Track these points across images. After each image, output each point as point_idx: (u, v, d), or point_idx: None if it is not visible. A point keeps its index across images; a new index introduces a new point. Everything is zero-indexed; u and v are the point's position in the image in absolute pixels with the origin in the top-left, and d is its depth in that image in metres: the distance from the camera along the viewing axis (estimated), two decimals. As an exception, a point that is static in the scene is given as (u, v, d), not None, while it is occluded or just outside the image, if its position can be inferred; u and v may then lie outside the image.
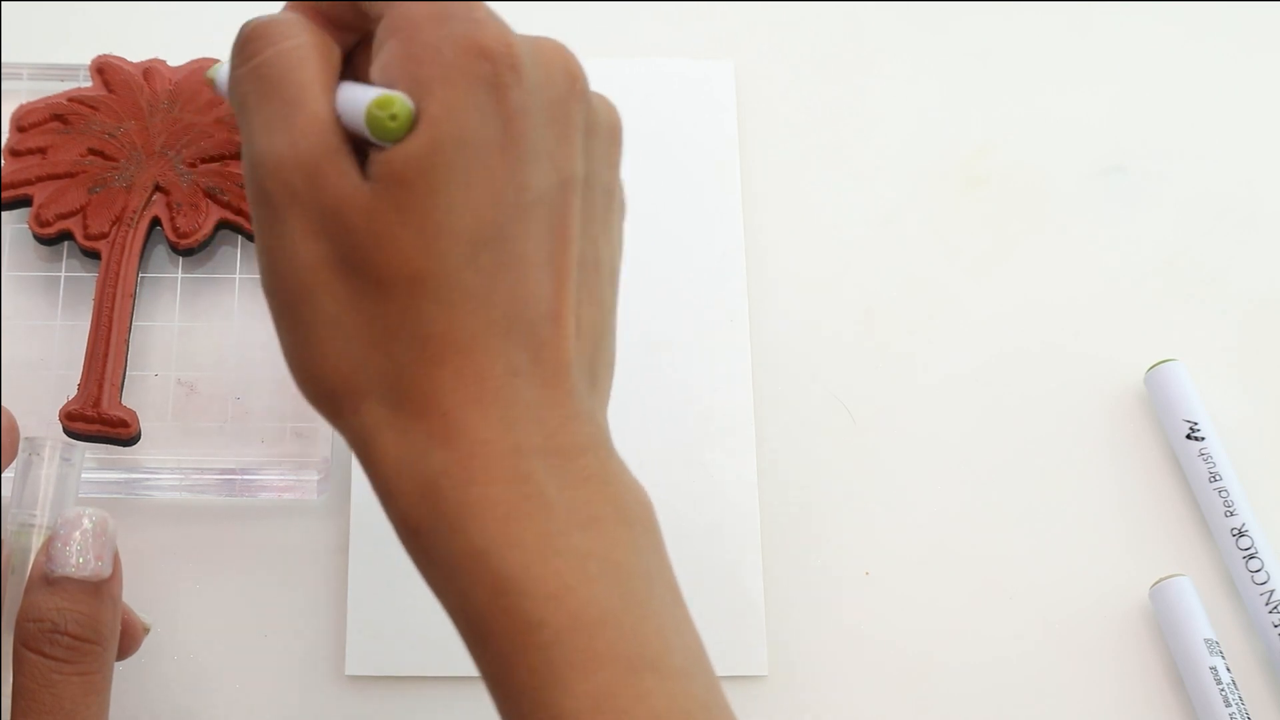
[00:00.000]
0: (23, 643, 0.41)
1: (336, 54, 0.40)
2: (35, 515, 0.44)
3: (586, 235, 0.40)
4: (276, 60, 0.39)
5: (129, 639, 0.45)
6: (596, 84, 0.44)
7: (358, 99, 0.38)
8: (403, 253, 0.37)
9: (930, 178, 0.62)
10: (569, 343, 0.39)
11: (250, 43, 0.40)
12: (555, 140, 0.39)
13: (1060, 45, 0.65)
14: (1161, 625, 0.54)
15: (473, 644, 0.38)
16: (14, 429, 0.44)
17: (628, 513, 0.39)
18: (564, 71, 0.40)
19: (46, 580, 0.42)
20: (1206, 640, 0.53)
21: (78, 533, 0.42)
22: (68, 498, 0.44)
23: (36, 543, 0.43)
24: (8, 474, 0.44)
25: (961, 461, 0.57)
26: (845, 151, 0.62)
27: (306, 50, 0.39)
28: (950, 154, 0.63)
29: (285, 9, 0.41)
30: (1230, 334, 0.60)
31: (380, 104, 0.37)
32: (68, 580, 0.42)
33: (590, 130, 0.40)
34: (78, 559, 0.42)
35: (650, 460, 0.56)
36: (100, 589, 0.42)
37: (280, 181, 0.38)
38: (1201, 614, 0.53)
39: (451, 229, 0.37)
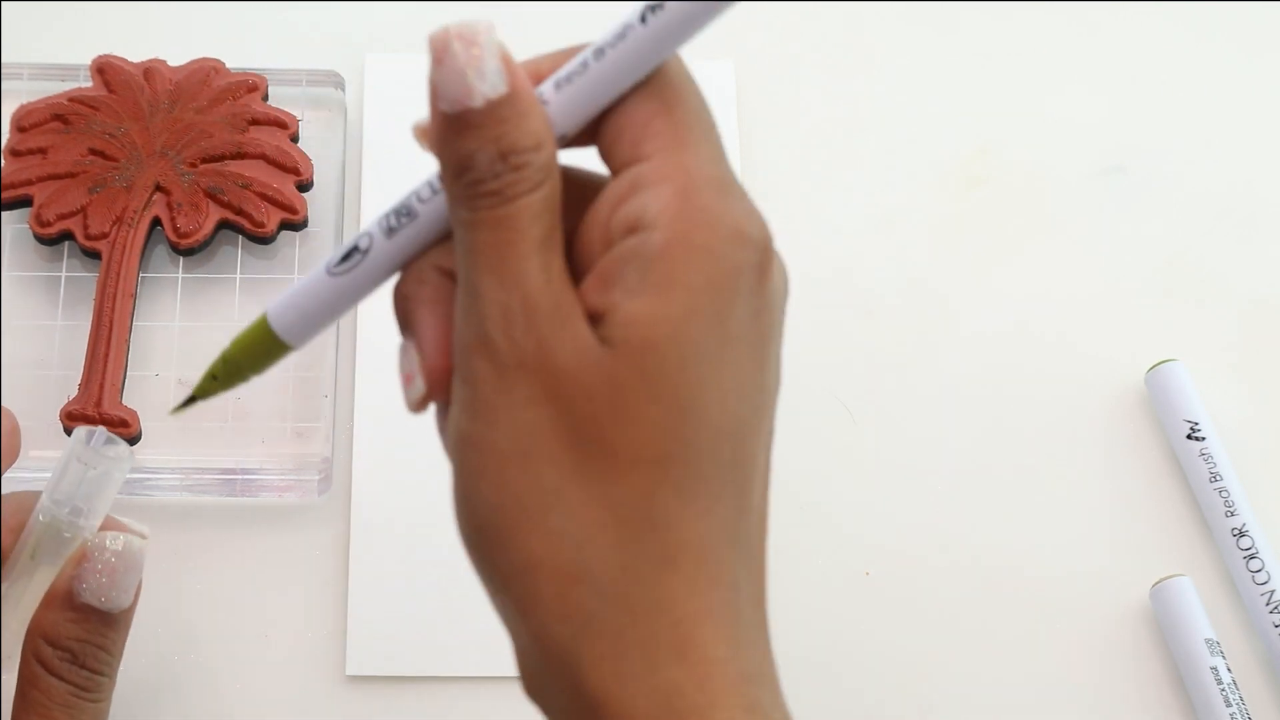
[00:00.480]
0: (41, 662, 0.42)
1: (560, 187, 0.36)
2: (70, 510, 0.43)
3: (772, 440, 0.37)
4: (516, 215, 0.35)
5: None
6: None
7: None
8: (647, 430, 0.33)
9: (930, 178, 0.62)
10: (765, 557, 0.36)
11: (489, 182, 0.35)
12: (780, 340, 0.36)
13: (1060, 45, 0.65)
14: (1162, 625, 0.54)
15: None
16: (15, 430, 0.44)
17: None
18: (786, 276, 0.37)
19: (71, 603, 0.42)
20: (1207, 640, 0.53)
21: (110, 561, 0.43)
22: (106, 497, 0.44)
23: (67, 540, 0.43)
24: (48, 464, 0.45)
25: (961, 461, 0.57)
26: (845, 151, 0.62)
27: (545, 202, 0.35)
28: (950, 154, 0.63)
29: (537, 105, 0.36)
30: (1230, 334, 0.60)
31: None
32: (91, 610, 0.42)
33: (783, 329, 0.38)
34: (106, 593, 0.42)
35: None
36: (119, 617, 0.43)
37: (509, 339, 0.34)
38: (1202, 614, 0.53)
39: (701, 413, 0.34)
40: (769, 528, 0.36)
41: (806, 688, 0.53)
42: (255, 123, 0.58)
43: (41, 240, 0.56)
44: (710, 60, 0.63)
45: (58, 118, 0.57)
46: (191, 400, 0.38)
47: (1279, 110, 0.65)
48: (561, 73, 0.35)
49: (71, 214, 0.56)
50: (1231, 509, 0.55)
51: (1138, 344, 0.59)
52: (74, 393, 0.53)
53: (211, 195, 0.56)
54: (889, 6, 0.65)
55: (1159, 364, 0.57)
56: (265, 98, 0.59)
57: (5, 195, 0.56)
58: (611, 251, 0.34)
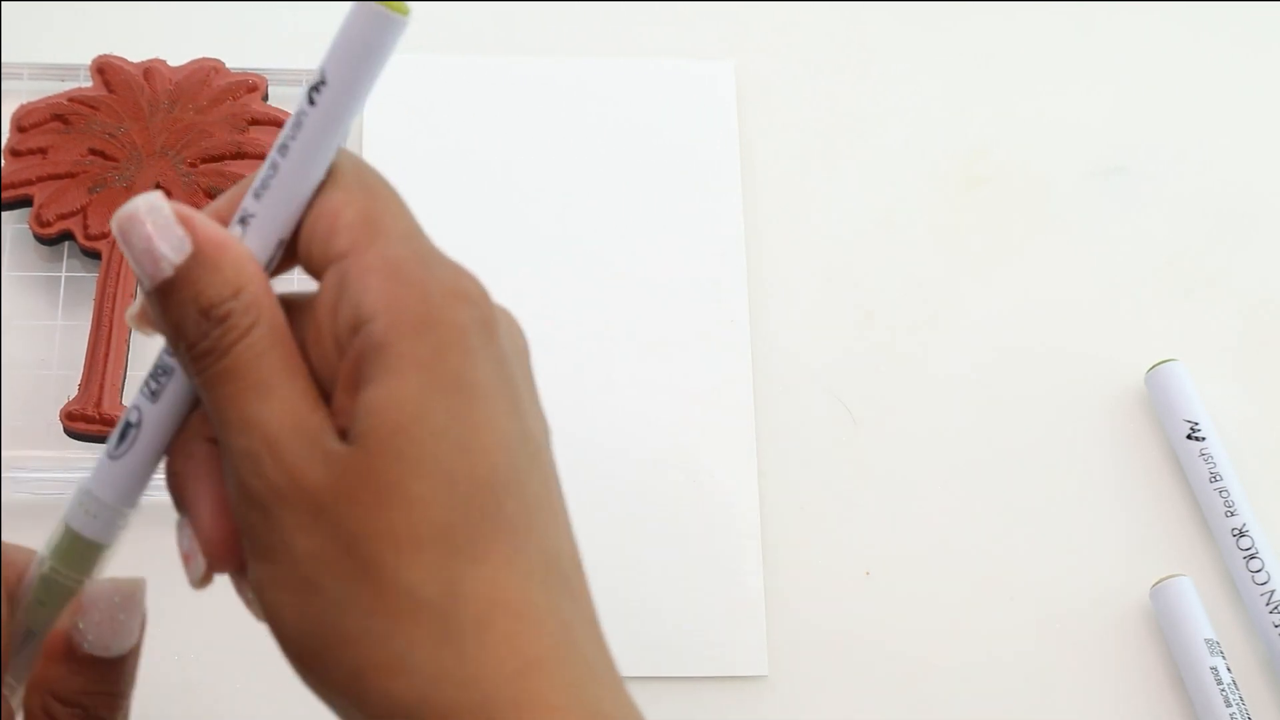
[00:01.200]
0: (49, 715, 0.39)
1: (281, 313, 0.36)
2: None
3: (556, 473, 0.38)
4: (235, 365, 0.35)
5: None
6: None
7: None
8: (419, 508, 0.33)
9: (930, 178, 0.62)
10: (590, 592, 0.36)
11: (201, 342, 0.35)
12: (531, 384, 0.37)
13: (1060, 45, 0.65)
14: (1161, 625, 0.54)
15: None
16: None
17: None
18: (519, 329, 0.37)
19: (74, 654, 0.39)
20: (1207, 640, 0.53)
21: (111, 609, 0.40)
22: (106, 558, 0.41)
23: (68, 590, 0.40)
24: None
25: (961, 461, 0.57)
26: (845, 151, 0.62)
27: (263, 340, 0.35)
28: (950, 154, 0.63)
29: (225, 251, 0.35)
30: (1230, 334, 0.60)
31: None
32: (93, 660, 0.39)
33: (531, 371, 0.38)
34: (110, 641, 0.39)
35: (651, 460, 0.56)
36: (126, 658, 0.40)
37: (261, 479, 0.34)
38: (1202, 614, 0.53)
39: (468, 475, 0.34)
40: (582, 557, 0.36)
41: (806, 687, 0.53)
42: (255, 123, 0.58)
43: (41, 240, 0.56)
44: (710, 60, 0.63)
45: (58, 118, 0.57)
46: (30, 635, 0.39)
47: (1279, 110, 0.65)
48: (256, 180, 0.35)
49: (71, 214, 0.56)
50: (1231, 509, 0.55)
51: (1138, 344, 0.59)
52: (74, 393, 0.53)
53: (211, 195, 0.56)
54: (889, 7, 0.65)
55: (1159, 364, 0.57)
56: (265, 98, 0.59)
57: (5, 195, 0.56)
58: (346, 358, 0.34)
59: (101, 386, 0.53)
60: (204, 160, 0.57)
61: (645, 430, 0.57)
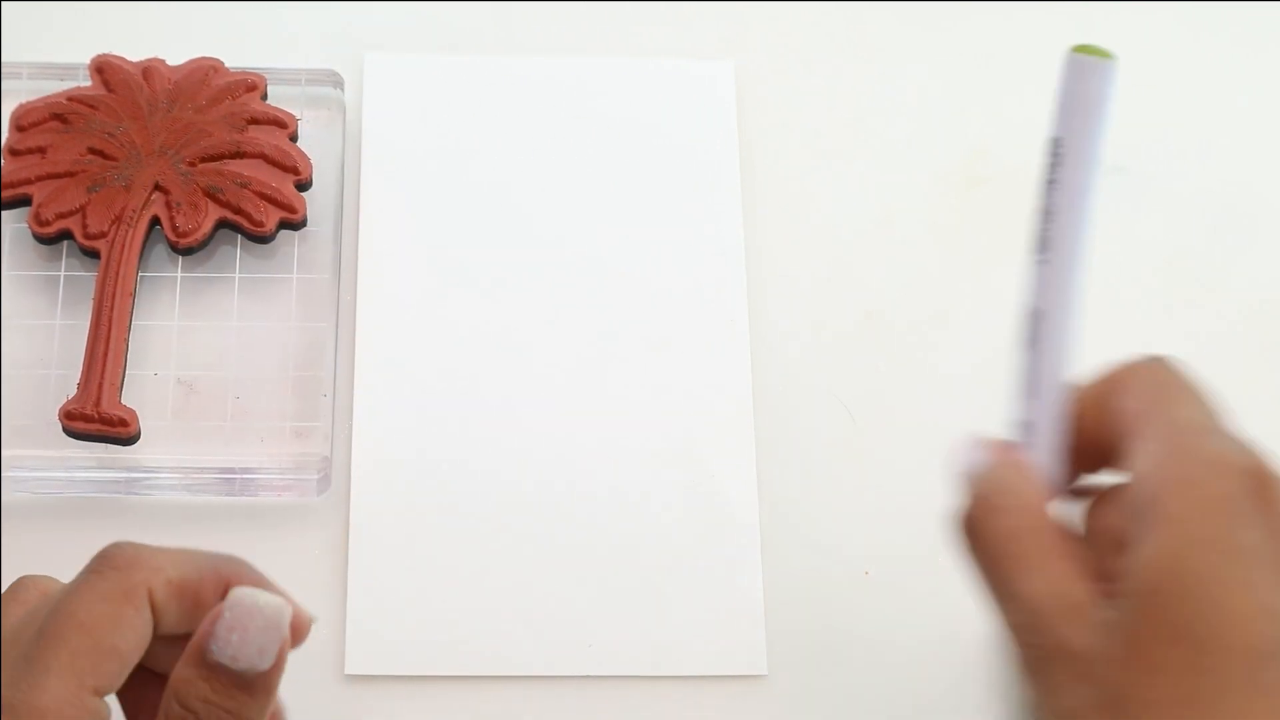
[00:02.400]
0: (166, 717, 0.38)
1: (1040, 499, 0.40)
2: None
3: None
4: (992, 541, 0.40)
5: (298, 633, 0.41)
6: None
7: None
8: (1170, 675, 0.34)
9: (930, 178, 0.62)
10: None
11: (986, 513, 0.41)
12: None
13: (1060, 46, 0.65)
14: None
15: None
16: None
17: None
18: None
19: (203, 659, 0.38)
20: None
21: (244, 618, 0.38)
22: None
23: None
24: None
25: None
26: (845, 151, 0.62)
27: (1032, 521, 0.40)
28: (950, 154, 0.63)
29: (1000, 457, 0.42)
30: (1230, 334, 0.60)
31: None
32: (223, 669, 0.38)
33: None
34: (239, 651, 0.38)
35: (650, 460, 0.56)
36: (255, 681, 0.38)
37: (1033, 645, 0.37)
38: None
39: (1222, 641, 0.34)
40: None
41: (806, 687, 0.53)
42: (254, 122, 0.58)
43: (40, 239, 0.56)
44: (710, 60, 0.63)
45: (57, 117, 0.57)
46: None
47: (1279, 110, 0.65)
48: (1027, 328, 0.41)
49: (70, 213, 0.56)
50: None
51: (1137, 344, 0.59)
52: (73, 392, 0.53)
53: (210, 194, 0.56)
54: (889, 7, 0.65)
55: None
56: (264, 97, 0.59)
57: (4, 194, 0.56)
58: (1120, 517, 0.37)
59: (101, 386, 0.53)
60: (203, 159, 0.57)
61: (644, 430, 0.57)
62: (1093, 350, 0.59)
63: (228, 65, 0.59)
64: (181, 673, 0.38)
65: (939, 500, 0.57)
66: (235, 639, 0.38)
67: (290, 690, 0.52)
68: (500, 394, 0.57)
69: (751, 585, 0.54)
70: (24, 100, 0.58)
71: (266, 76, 0.59)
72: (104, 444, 0.53)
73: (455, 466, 0.55)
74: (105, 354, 0.53)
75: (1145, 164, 0.63)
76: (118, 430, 0.53)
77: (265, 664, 0.38)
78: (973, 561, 0.40)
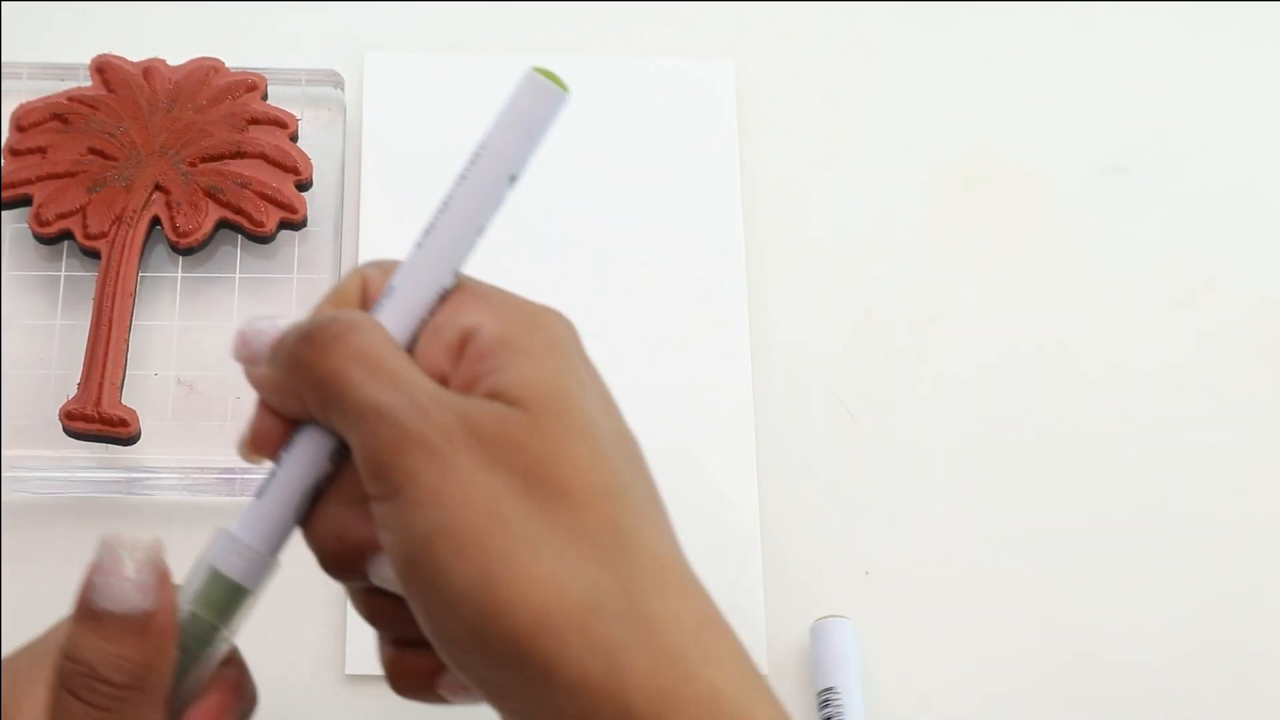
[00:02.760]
0: (62, 684, 0.37)
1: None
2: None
3: None
4: (375, 342, 0.38)
5: (227, 706, 0.40)
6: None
7: None
8: (584, 468, 0.36)
9: (930, 178, 0.62)
10: None
11: (333, 337, 0.37)
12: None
13: (1060, 45, 0.65)
14: (1162, 625, 0.54)
15: None
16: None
17: None
18: None
19: (87, 612, 0.37)
20: None
21: (118, 560, 0.38)
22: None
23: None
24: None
25: (961, 461, 0.57)
26: (845, 151, 0.62)
27: (387, 338, 0.38)
28: (950, 154, 0.63)
29: (338, 314, 0.39)
30: (1230, 334, 0.60)
31: (536, 72, 0.39)
32: (110, 616, 0.37)
33: None
34: (119, 593, 0.37)
35: (650, 460, 0.56)
36: (146, 626, 0.38)
37: (432, 421, 0.36)
38: None
39: (611, 450, 0.37)
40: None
41: (806, 687, 0.53)
42: (254, 122, 0.58)
43: (41, 240, 0.56)
44: (710, 60, 0.63)
45: (57, 117, 0.57)
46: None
47: (1279, 110, 0.65)
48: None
49: (71, 213, 0.56)
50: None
51: (1137, 344, 0.59)
52: (73, 392, 0.53)
53: (211, 194, 0.56)
54: (889, 7, 0.65)
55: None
56: (265, 97, 0.59)
57: (5, 195, 0.56)
58: (460, 366, 0.37)
59: (101, 385, 0.53)
60: (203, 159, 0.57)
61: (644, 430, 0.56)
62: (1093, 350, 0.59)
63: (228, 65, 0.59)
64: (70, 631, 0.38)
65: (939, 500, 0.57)
66: (113, 582, 0.37)
67: (290, 690, 0.52)
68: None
69: (751, 585, 0.54)
70: (24, 100, 0.58)
71: (267, 76, 0.59)
72: (104, 444, 0.53)
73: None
74: (105, 354, 0.53)
75: (1145, 164, 0.63)
76: (118, 430, 0.53)
77: (146, 602, 0.37)
78: (333, 389, 0.37)
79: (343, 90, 0.61)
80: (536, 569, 0.35)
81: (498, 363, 0.37)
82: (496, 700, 0.36)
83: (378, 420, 0.36)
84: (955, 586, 0.55)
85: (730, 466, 0.56)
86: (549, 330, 0.38)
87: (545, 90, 0.39)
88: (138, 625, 0.37)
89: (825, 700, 0.51)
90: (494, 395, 0.36)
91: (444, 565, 0.35)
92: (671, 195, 0.61)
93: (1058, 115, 0.64)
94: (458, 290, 0.39)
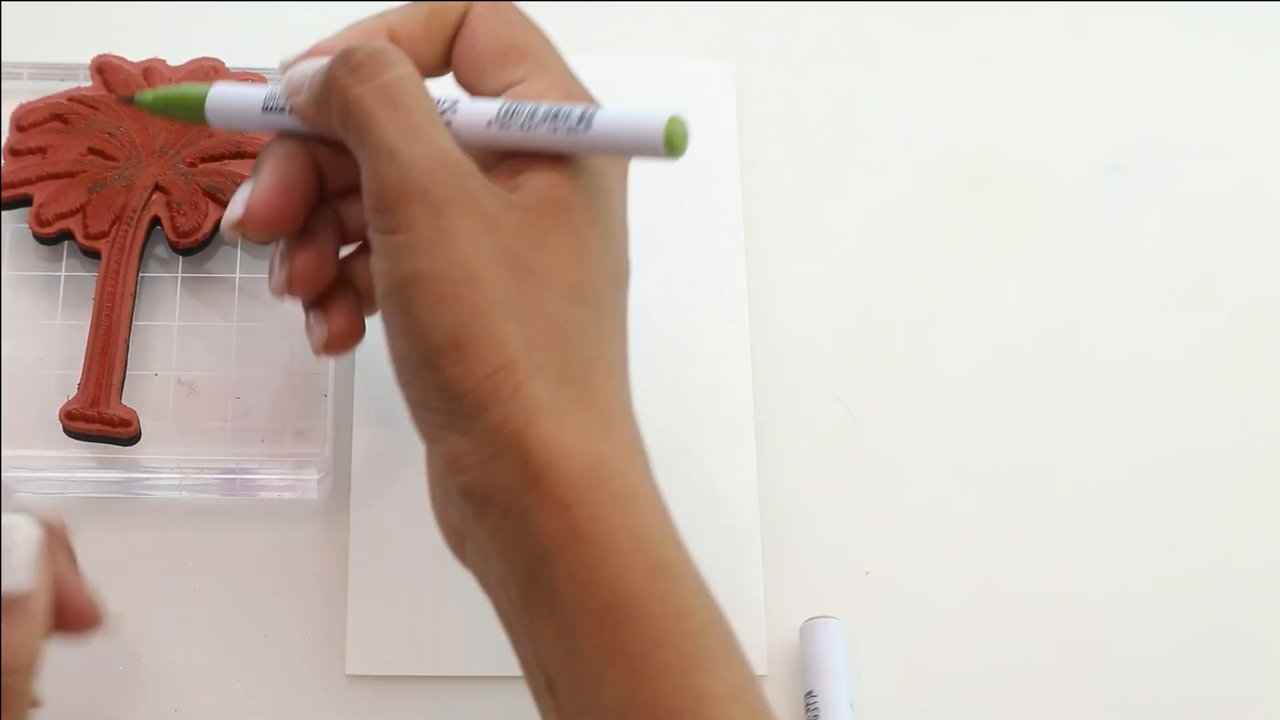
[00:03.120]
0: None
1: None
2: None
3: None
4: (405, 80, 0.41)
5: (82, 619, 0.41)
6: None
7: (626, 117, 0.42)
8: (566, 261, 0.41)
9: (931, 178, 0.62)
10: None
11: (367, 64, 0.42)
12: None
13: (1060, 45, 0.65)
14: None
15: (610, 622, 0.39)
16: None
17: None
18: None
19: None
20: None
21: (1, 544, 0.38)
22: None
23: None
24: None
25: (961, 461, 0.57)
26: (845, 151, 0.62)
27: (418, 80, 0.42)
28: (951, 154, 0.63)
29: (376, 43, 0.43)
30: (1230, 334, 0.60)
31: (676, 122, 0.42)
32: None
33: None
34: None
35: (650, 460, 0.56)
36: (14, 608, 0.38)
37: (440, 180, 0.40)
38: None
39: (599, 256, 0.42)
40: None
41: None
42: (255, 122, 0.58)
43: (41, 240, 0.56)
44: (710, 60, 0.63)
45: (57, 117, 0.57)
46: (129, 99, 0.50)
47: (1279, 110, 0.65)
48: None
49: (71, 213, 0.56)
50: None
51: (1137, 344, 0.59)
52: (73, 392, 0.53)
53: (211, 194, 0.56)
54: (889, 6, 0.65)
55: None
56: (265, 97, 0.59)
57: (5, 195, 0.56)
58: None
59: (101, 386, 0.53)
60: (203, 159, 0.57)
61: (644, 429, 0.56)
62: (1093, 350, 0.59)
63: (228, 65, 0.59)
64: None
65: (939, 500, 0.57)
66: None
67: (291, 690, 0.52)
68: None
69: (751, 585, 0.54)
70: (24, 100, 0.58)
71: (267, 77, 0.59)
72: (104, 444, 0.53)
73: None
74: (106, 354, 0.53)
75: (1145, 164, 0.63)
76: (118, 430, 0.53)
77: (23, 584, 0.38)
78: (356, 118, 0.41)
79: (343, 90, 0.60)
80: (497, 331, 0.40)
81: (540, 162, 0.42)
82: (416, 410, 0.42)
83: (390, 163, 0.40)
84: (956, 586, 0.55)
85: (730, 466, 0.56)
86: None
87: (653, 138, 0.42)
88: (11, 606, 0.38)
89: (808, 704, 0.51)
90: (515, 190, 0.42)
91: (420, 306, 0.40)
92: (671, 195, 0.61)
93: (1058, 115, 0.64)
94: (539, 74, 0.44)
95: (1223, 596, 0.55)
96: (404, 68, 0.42)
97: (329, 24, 0.63)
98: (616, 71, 0.63)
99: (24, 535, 0.39)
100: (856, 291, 0.60)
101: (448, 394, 0.40)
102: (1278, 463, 0.58)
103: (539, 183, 0.42)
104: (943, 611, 0.55)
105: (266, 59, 0.60)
